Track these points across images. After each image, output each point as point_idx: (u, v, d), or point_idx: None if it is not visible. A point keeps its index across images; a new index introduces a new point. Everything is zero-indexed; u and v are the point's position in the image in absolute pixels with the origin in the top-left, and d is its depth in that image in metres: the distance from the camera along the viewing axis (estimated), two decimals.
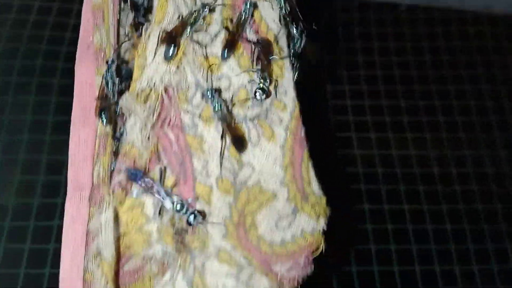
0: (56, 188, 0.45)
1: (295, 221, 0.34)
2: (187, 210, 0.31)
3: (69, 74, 0.39)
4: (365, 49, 0.56)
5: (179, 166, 0.32)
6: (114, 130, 0.36)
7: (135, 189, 0.33)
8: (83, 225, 0.35)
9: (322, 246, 0.35)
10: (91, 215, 0.35)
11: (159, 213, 0.31)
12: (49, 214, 0.44)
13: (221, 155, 0.32)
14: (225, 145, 0.32)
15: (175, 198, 0.31)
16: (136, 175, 0.32)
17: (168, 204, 0.31)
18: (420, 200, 0.48)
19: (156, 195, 0.32)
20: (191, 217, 0.31)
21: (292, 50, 0.38)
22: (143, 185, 0.32)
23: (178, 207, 0.31)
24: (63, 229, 0.35)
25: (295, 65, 0.38)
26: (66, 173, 0.36)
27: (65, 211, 0.35)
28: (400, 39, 0.57)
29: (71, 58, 0.39)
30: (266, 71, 0.35)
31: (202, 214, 0.32)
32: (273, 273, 0.32)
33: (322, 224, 0.35)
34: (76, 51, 0.40)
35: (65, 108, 0.38)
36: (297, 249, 0.34)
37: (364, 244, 0.45)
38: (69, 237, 0.35)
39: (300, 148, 0.35)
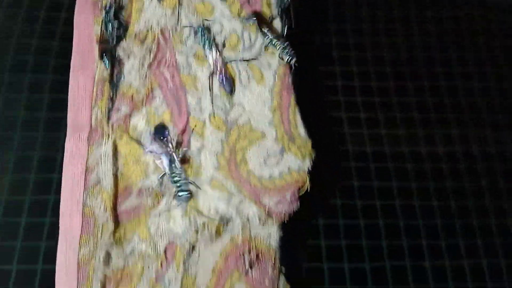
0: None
1: (283, 160, 0.36)
2: (180, 186, 0.32)
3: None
4: (355, 31, 0.57)
5: (174, 101, 0.34)
6: (111, 76, 0.38)
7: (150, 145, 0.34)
8: (82, 163, 0.37)
9: (307, 184, 0.37)
10: (90, 153, 0.37)
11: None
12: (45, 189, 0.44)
13: (211, 91, 0.34)
14: (212, 82, 0.34)
15: (177, 171, 0.32)
16: (163, 131, 0.33)
17: (168, 170, 0.32)
18: (409, 177, 0.49)
19: (164, 159, 0.33)
20: (181, 193, 0.32)
21: (280, 5, 0.41)
22: (162, 141, 0.33)
23: (175, 179, 0.32)
24: (63, 166, 0.37)
25: (283, 18, 0.41)
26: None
27: (65, 149, 0.37)
28: (391, 21, 0.58)
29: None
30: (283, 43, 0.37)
31: (191, 194, 0.33)
32: (261, 204, 0.34)
33: (307, 164, 0.37)
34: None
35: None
36: (284, 185, 0.36)
37: (353, 219, 0.47)
38: (69, 173, 0.37)
39: (288, 93, 0.38)
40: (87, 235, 0.36)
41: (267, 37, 0.37)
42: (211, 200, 0.32)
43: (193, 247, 0.34)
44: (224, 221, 0.32)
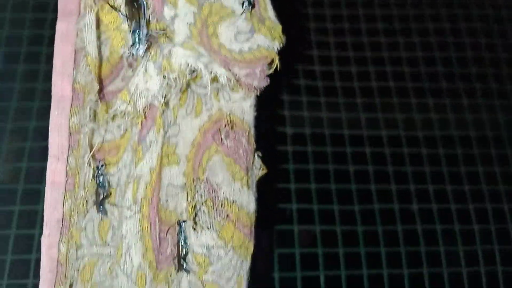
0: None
1: (252, 38, 0.40)
2: (138, 39, 0.35)
3: None
4: (349, 5, 0.59)
5: None
6: None
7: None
8: (71, 43, 0.41)
9: (276, 62, 0.40)
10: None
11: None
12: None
13: None
14: None
15: (138, 30, 0.36)
16: None
17: (132, 27, 0.36)
18: (398, 127, 0.52)
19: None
20: (139, 46, 0.36)
21: None
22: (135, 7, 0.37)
23: (136, 32, 0.36)
24: (54, 46, 0.41)
25: None
26: None
27: (56, 31, 0.41)
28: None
29: None
30: None
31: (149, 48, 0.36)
32: (231, 72, 0.38)
33: (277, 45, 0.40)
34: None
35: None
36: (253, 58, 0.39)
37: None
38: (59, 52, 0.41)
39: None
40: (78, 108, 0.40)
41: None
42: (182, 57, 0.36)
43: (172, 116, 0.38)
44: (193, 74, 0.36)
